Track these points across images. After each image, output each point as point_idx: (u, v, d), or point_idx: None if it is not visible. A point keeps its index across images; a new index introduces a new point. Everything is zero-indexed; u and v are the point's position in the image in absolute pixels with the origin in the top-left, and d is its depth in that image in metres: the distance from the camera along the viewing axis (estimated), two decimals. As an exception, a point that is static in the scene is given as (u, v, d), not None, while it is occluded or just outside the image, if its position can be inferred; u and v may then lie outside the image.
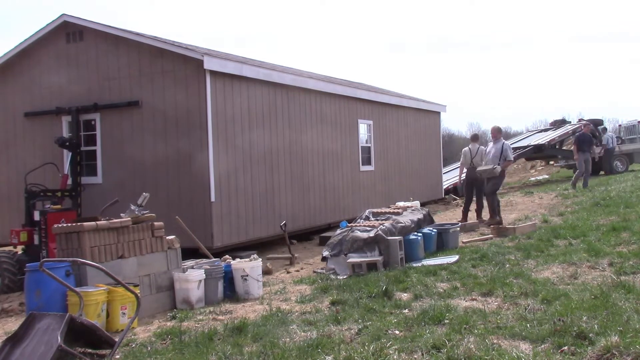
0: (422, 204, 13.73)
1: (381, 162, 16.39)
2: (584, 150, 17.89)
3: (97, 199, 10.43)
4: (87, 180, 11.22)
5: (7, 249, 10.49)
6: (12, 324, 6.93)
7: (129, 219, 7.19)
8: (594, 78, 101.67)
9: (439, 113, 20.78)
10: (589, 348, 4.41)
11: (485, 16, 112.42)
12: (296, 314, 6.34)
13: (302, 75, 13.80)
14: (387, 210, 10.95)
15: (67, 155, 11.18)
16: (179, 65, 10.65)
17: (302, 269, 9.73)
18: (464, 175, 13.76)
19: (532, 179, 28.41)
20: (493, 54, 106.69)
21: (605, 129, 25.75)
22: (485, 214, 12.98)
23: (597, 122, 27.41)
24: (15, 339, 4.74)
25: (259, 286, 7.71)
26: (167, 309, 7.25)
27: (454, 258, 8.77)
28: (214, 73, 10.50)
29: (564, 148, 27.21)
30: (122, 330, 5.83)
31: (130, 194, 9.55)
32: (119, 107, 11.10)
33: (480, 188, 13.05)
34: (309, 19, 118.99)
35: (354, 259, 8.71)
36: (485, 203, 12.96)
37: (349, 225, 9.75)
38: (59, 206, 9.89)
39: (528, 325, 5.08)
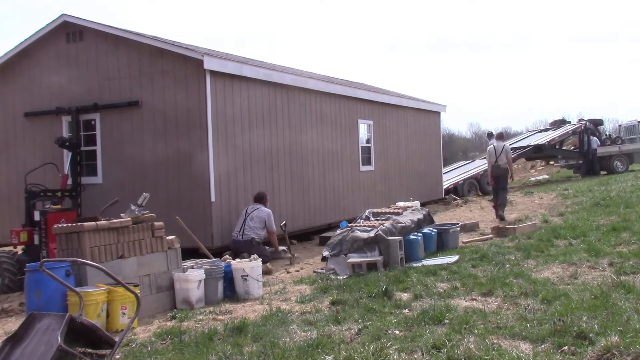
0: (422, 204, 13.74)
1: (381, 162, 16.39)
2: None
3: (97, 199, 10.42)
4: (87, 180, 11.21)
5: (7, 249, 10.49)
6: (12, 324, 6.92)
7: (129, 219, 7.19)
8: (594, 78, 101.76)
9: (439, 113, 20.77)
10: (589, 348, 4.42)
11: (485, 16, 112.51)
12: (296, 314, 6.34)
13: (302, 75, 13.80)
14: (387, 210, 10.95)
15: (67, 155, 11.18)
16: (179, 65, 10.65)
17: (302, 269, 9.73)
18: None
19: (532, 179, 28.42)
20: (493, 54, 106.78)
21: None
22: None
23: (597, 122, 27.44)
24: (15, 339, 4.73)
25: (259, 286, 7.71)
26: (167, 309, 7.25)
27: (454, 258, 8.77)
28: (214, 73, 10.50)
29: (564, 148, 27.23)
30: (122, 330, 5.83)
31: (130, 194, 9.54)
32: (119, 107, 11.10)
33: (502, 185, 13.60)
34: (309, 19, 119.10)
35: (354, 259, 8.71)
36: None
37: (349, 225, 9.75)
38: (59, 206, 9.88)
39: (528, 325, 5.09)
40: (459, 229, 10.61)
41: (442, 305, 5.97)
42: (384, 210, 10.99)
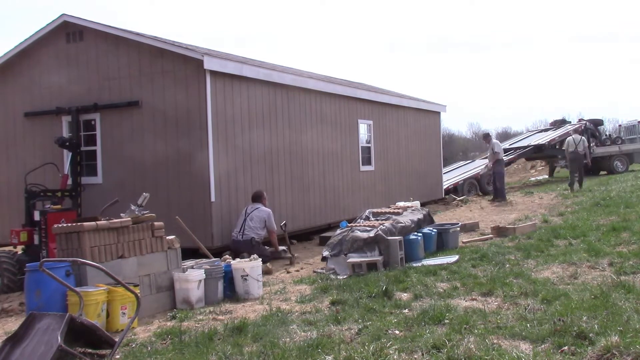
0: (422, 204, 13.74)
1: (381, 162, 16.39)
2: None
3: (97, 199, 10.42)
4: (87, 180, 11.21)
5: (7, 249, 10.49)
6: (12, 324, 6.92)
7: (129, 219, 7.19)
8: (594, 78, 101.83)
9: (439, 113, 20.76)
10: (589, 348, 4.42)
11: (485, 16, 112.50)
12: (296, 314, 6.34)
13: (302, 75, 13.80)
14: (387, 210, 10.95)
15: (67, 155, 11.18)
16: (179, 65, 10.65)
17: (302, 269, 9.73)
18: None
19: (532, 179, 28.43)
20: (493, 54, 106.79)
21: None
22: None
23: (597, 122, 27.46)
24: (15, 339, 4.73)
25: (259, 286, 7.71)
26: (167, 309, 7.24)
27: (454, 258, 8.77)
28: (214, 73, 10.50)
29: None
30: (122, 330, 5.83)
31: (130, 194, 9.54)
32: (119, 107, 11.10)
33: (581, 167, 18.17)
34: (309, 19, 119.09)
35: (354, 259, 8.71)
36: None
37: (349, 225, 9.75)
38: (59, 206, 9.88)
39: (528, 325, 5.09)
40: (459, 229, 10.61)
41: (442, 305, 5.96)
42: (384, 210, 10.98)
